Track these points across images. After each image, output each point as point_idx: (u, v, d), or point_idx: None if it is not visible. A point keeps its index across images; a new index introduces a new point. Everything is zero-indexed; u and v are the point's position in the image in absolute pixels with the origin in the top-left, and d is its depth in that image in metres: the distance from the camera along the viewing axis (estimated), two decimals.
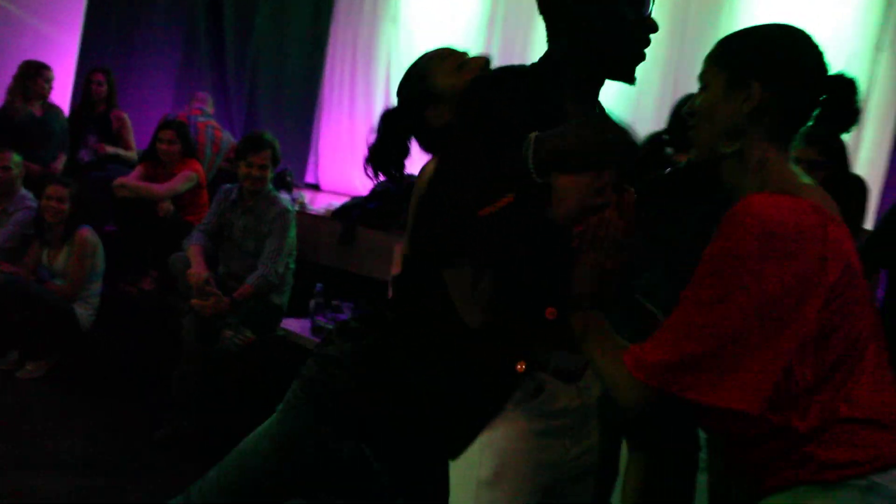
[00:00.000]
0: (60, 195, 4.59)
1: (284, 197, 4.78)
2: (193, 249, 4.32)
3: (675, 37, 7.36)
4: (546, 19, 1.82)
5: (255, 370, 4.38)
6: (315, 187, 9.01)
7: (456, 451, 1.80)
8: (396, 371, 2.19)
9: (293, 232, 4.47)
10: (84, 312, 4.70)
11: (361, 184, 9.14)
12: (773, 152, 1.54)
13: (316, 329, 4.57)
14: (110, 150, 5.93)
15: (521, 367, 1.76)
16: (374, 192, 5.54)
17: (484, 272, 1.71)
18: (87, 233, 4.69)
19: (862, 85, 5.33)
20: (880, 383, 1.53)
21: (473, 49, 7.83)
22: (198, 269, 4.20)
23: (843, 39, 6.44)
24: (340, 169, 9.27)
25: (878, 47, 6.34)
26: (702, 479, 2.89)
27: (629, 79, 1.79)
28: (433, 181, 1.74)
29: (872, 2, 6.38)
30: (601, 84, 1.81)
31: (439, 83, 2.18)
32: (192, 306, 4.14)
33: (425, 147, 2.27)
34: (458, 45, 7.83)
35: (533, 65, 1.81)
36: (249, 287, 4.23)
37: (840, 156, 3.06)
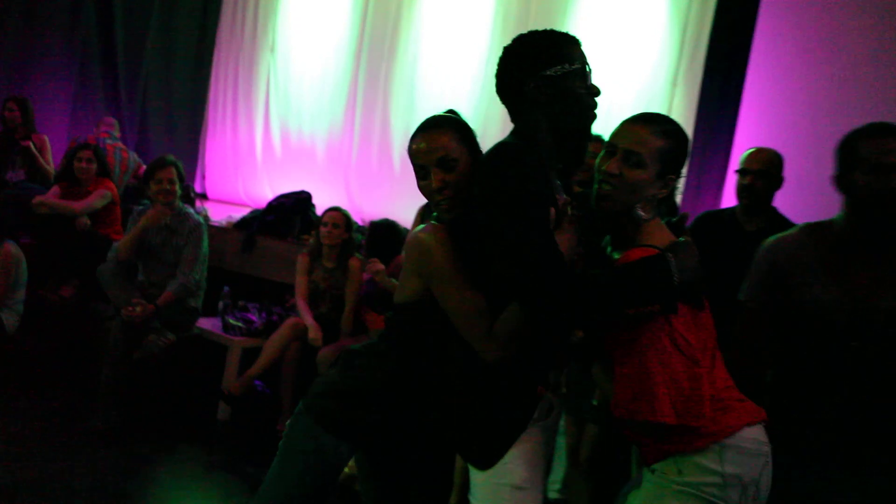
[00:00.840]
0: None
1: (192, 211, 4.75)
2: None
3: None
4: (506, 102, 1.95)
5: (174, 366, 4.47)
6: (203, 196, 8.94)
7: (491, 464, 1.87)
8: (425, 394, 1.98)
9: (206, 243, 4.51)
10: (10, 318, 4.58)
11: (244, 193, 9.20)
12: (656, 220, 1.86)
13: (226, 326, 4.70)
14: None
15: (541, 390, 1.94)
16: (270, 205, 5.68)
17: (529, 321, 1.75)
18: (11, 247, 4.57)
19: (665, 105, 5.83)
20: (725, 380, 1.86)
21: (342, 75, 8.05)
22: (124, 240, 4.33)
23: (646, 76, 7.00)
24: (225, 180, 9.24)
25: (674, 83, 6.88)
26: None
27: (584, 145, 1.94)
28: (494, 234, 1.75)
29: (669, 44, 6.74)
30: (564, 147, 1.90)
31: None
32: (122, 314, 4.15)
33: None
34: (329, 71, 8.07)
35: (503, 144, 1.85)
36: (171, 294, 4.28)
37: None
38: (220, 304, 4.87)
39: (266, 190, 9.11)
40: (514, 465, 1.96)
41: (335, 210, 4.61)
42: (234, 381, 4.43)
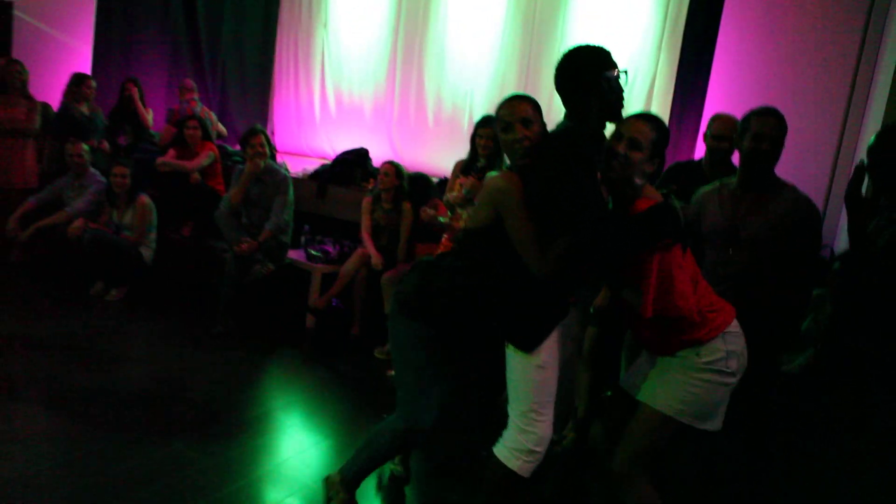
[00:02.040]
0: (124, 173, 4.89)
1: (279, 167, 5.08)
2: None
3: (526, 37, 7.95)
4: (563, 90, 2.20)
5: (274, 287, 4.87)
6: (272, 148, 9.26)
7: (533, 348, 2.15)
8: (492, 298, 2.21)
9: (292, 192, 4.83)
10: (147, 252, 5.00)
11: (306, 146, 9.54)
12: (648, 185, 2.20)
13: (309, 256, 5.03)
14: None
15: (573, 300, 2.29)
16: (336, 159, 5.95)
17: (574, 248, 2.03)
18: (145, 198, 4.97)
19: (648, 76, 6.08)
20: (710, 292, 2.22)
21: (383, 46, 8.20)
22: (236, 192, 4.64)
23: (635, 40, 7.16)
24: (291, 136, 9.55)
25: (658, 49, 6.99)
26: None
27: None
28: (552, 193, 2.04)
29: (655, 17, 6.85)
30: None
31: None
32: (234, 249, 4.54)
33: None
34: (373, 42, 8.21)
35: (571, 126, 2.18)
36: (269, 232, 4.65)
37: None
38: (302, 239, 5.22)
39: (324, 143, 9.44)
40: (538, 350, 2.19)
41: (389, 163, 4.83)
42: (317, 298, 4.81)
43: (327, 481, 2.56)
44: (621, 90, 2.18)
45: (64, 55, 7.29)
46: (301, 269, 4.99)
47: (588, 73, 2.14)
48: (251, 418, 3.40)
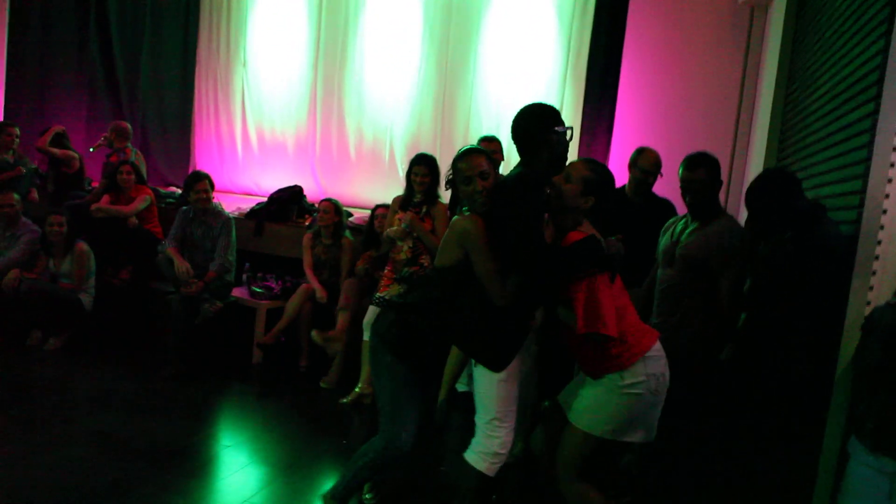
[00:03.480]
0: (60, 221, 4.77)
1: (222, 209, 5.05)
2: (173, 251, 4.64)
3: (440, 70, 8.25)
4: (520, 145, 2.45)
5: (221, 325, 4.86)
6: None
7: (502, 368, 2.40)
8: (461, 328, 2.41)
9: (234, 232, 4.86)
10: (86, 299, 4.88)
11: (230, 182, 9.45)
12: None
13: (252, 293, 5.09)
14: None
15: (532, 322, 2.50)
16: (271, 198, 5.99)
17: (525, 282, 2.27)
18: (83, 245, 4.86)
19: (556, 103, 6.46)
20: (636, 319, 2.41)
21: (304, 84, 8.29)
22: (181, 262, 4.59)
23: (543, 75, 7.56)
24: (213, 173, 9.31)
25: (564, 80, 7.45)
26: None
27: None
28: (512, 231, 2.27)
29: (559, 46, 7.30)
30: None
31: None
32: (180, 289, 4.54)
33: None
34: (293, 80, 8.31)
35: (523, 173, 2.42)
36: (213, 272, 4.67)
37: None
38: (244, 277, 5.26)
39: (248, 180, 9.40)
40: None
41: (328, 201, 4.97)
42: (264, 334, 4.84)
43: (323, 499, 2.69)
44: (567, 144, 2.44)
45: None
46: (246, 306, 5.01)
47: (540, 128, 2.40)
48: (213, 455, 3.44)
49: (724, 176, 4.81)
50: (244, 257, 5.40)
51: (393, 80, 8.45)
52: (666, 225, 3.05)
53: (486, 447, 2.47)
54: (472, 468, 2.48)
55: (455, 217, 2.48)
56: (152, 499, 2.88)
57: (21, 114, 7.58)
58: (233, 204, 6.80)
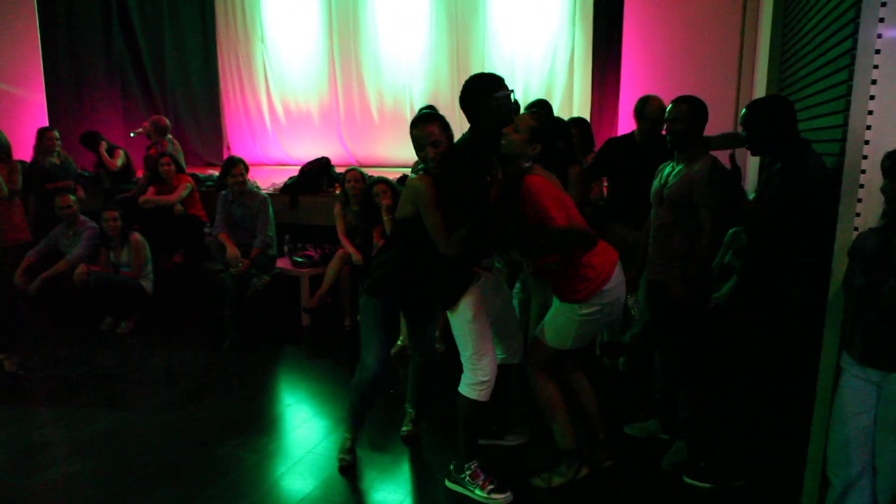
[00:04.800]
0: (114, 216, 5.07)
1: (258, 189, 5.35)
2: (223, 236, 4.92)
3: (451, 27, 8.22)
4: (466, 109, 2.68)
5: (269, 296, 5.13)
6: None
7: (451, 307, 2.75)
8: (417, 272, 2.83)
9: (271, 209, 5.11)
10: (147, 284, 5.20)
11: (262, 155, 9.68)
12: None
13: (294, 263, 5.35)
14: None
15: (476, 269, 2.78)
16: (301, 171, 6.16)
17: (469, 234, 2.60)
18: (137, 235, 5.17)
19: (568, 50, 6.44)
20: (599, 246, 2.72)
21: (322, 53, 8.39)
22: (232, 248, 4.85)
23: (552, 20, 7.50)
24: (246, 148, 9.64)
25: (573, 22, 7.43)
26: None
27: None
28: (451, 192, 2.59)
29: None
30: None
31: None
32: (231, 270, 4.83)
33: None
34: (311, 51, 8.42)
35: (469, 139, 2.68)
36: (257, 249, 4.94)
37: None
38: (286, 248, 5.52)
39: (279, 151, 9.61)
40: (465, 308, 2.73)
41: (353, 170, 5.13)
42: (309, 299, 5.16)
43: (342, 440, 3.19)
44: (510, 107, 2.65)
45: (21, 109, 7.29)
46: (290, 275, 5.29)
47: (481, 96, 2.62)
48: (276, 415, 3.78)
49: (729, 118, 4.87)
50: (283, 230, 5.62)
51: (406, 41, 8.50)
52: (658, 169, 3.14)
53: (474, 378, 2.78)
54: (466, 398, 2.80)
55: (410, 176, 2.82)
56: (227, 458, 3.22)
57: (63, 115, 7.86)
58: (267, 179, 7.02)
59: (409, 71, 8.56)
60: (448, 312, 2.80)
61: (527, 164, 2.69)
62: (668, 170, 3.03)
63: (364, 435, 3.29)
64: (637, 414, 3.48)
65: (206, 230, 5.54)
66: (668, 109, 2.96)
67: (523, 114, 2.69)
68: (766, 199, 2.76)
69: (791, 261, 2.68)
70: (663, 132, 3.05)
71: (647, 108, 3.73)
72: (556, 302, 2.83)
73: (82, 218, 5.28)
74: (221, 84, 9.47)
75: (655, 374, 3.35)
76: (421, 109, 3.14)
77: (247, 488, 2.96)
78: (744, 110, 2.84)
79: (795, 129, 2.79)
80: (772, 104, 2.85)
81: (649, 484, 2.95)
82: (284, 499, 2.89)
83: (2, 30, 7.29)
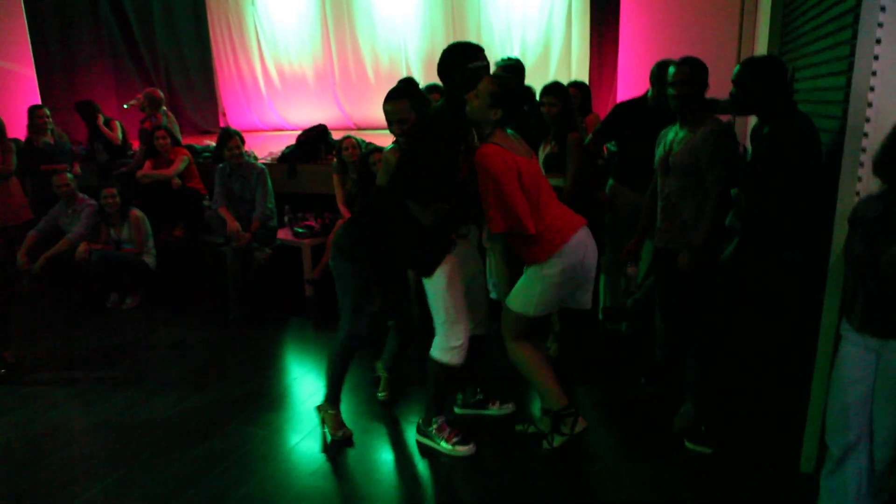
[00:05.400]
0: (112, 193, 5.07)
1: (255, 161, 5.27)
2: (223, 210, 4.89)
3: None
4: (443, 78, 2.76)
5: (272, 267, 5.13)
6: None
7: (429, 273, 2.82)
8: (391, 239, 2.87)
9: (269, 180, 5.06)
10: (150, 259, 5.22)
11: (258, 120, 9.59)
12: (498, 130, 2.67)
13: (295, 233, 5.34)
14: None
15: (453, 236, 2.84)
16: (298, 140, 6.11)
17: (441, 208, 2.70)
18: (137, 211, 5.16)
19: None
20: (557, 213, 2.72)
21: (314, 14, 8.27)
22: (233, 222, 4.83)
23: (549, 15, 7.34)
24: (241, 114, 9.60)
25: (568, 20, 7.24)
26: None
27: None
28: (412, 160, 2.66)
29: None
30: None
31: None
32: (232, 244, 4.82)
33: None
34: (303, 11, 8.34)
35: (440, 109, 2.73)
36: (257, 222, 4.92)
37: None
38: (286, 219, 5.51)
39: (273, 115, 9.51)
40: (440, 275, 2.81)
41: (348, 137, 5.05)
42: (311, 270, 5.17)
43: (318, 409, 3.29)
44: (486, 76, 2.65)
45: (12, 84, 7.18)
46: (291, 246, 5.29)
47: (454, 65, 2.67)
48: (283, 389, 3.81)
49: (730, 78, 4.70)
50: (283, 200, 5.60)
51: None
52: (661, 134, 3.08)
53: (446, 343, 2.88)
54: (436, 362, 2.92)
55: (386, 148, 2.93)
56: (237, 433, 3.27)
57: (54, 89, 7.75)
58: (264, 147, 6.97)
59: (404, 29, 8.41)
60: (423, 278, 2.87)
61: (487, 131, 2.67)
62: (671, 136, 2.98)
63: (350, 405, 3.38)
64: (639, 378, 3.52)
65: (206, 203, 5.51)
66: (670, 73, 2.90)
67: (486, 77, 2.66)
68: (757, 163, 2.72)
69: (786, 225, 2.66)
70: None
71: (666, 73, 3.61)
72: (524, 272, 2.83)
73: (81, 195, 5.27)
74: (213, 50, 9.35)
75: (656, 338, 3.38)
76: (399, 81, 3.13)
77: (257, 464, 3.01)
78: (737, 67, 2.77)
79: (784, 92, 2.73)
80: (762, 63, 2.77)
81: (649, 447, 3.00)
82: (295, 473, 2.95)
83: None
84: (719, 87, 3.11)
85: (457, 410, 3.38)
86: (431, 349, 2.93)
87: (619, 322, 4.22)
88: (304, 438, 3.23)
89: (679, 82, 2.85)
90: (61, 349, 4.43)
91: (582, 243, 2.74)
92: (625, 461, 2.93)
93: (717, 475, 2.76)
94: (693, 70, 2.85)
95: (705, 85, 2.88)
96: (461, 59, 2.67)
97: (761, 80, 2.64)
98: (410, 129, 2.77)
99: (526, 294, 2.79)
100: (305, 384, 3.87)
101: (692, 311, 2.93)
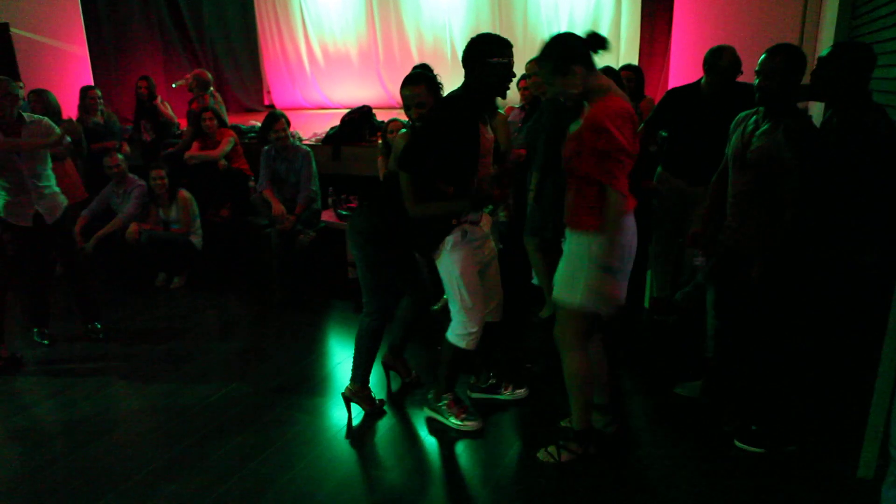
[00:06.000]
0: (161, 175, 5.15)
1: (300, 143, 5.28)
2: (268, 192, 4.91)
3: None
4: (465, 67, 2.67)
5: (316, 249, 5.14)
6: (271, 107, 9.41)
7: (430, 253, 2.87)
8: (399, 222, 2.87)
9: (314, 163, 5.07)
10: (196, 240, 5.30)
11: (303, 98, 9.61)
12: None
13: (339, 216, 5.32)
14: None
15: (454, 221, 2.81)
16: (343, 121, 6.10)
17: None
18: (185, 192, 5.23)
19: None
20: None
21: None
22: (278, 205, 4.85)
23: None
24: (286, 92, 9.63)
25: None
26: None
27: (504, 96, 2.75)
28: (417, 146, 2.67)
29: None
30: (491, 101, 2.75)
31: None
32: (277, 227, 4.85)
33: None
34: None
35: (462, 93, 2.68)
36: (302, 205, 4.94)
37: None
38: (330, 201, 5.51)
39: (318, 94, 9.52)
40: (454, 263, 2.84)
41: (395, 120, 5.02)
42: None
43: (346, 393, 3.32)
44: (504, 74, 2.63)
45: (65, 63, 7.34)
46: (335, 228, 5.28)
47: (474, 58, 2.63)
48: (327, 374, 3.82)
49: None
50: (327, 182, 5.60)
51: None
52: (737, 119, 2.81)
53: (462, 328, 2.93)
54: (452, 345, 2.97)
55: (401, 131, 2.92)
56: (281, 419, 3.30)
57: (105, 69, 7.88)
58: (308, 127, 6.98)
59: (449, 7, 8.28)
60: (437, 264, 2.90)
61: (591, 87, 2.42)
62: (751, 125, 2.71)
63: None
64: (686, 373, 3.43)
65: (251, 184, 5.54)
66: (760, 61, 2.60)
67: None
68: (826, 160, 2.55)
69: (856, 226, 2.52)
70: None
71: (720, 60, 3.45)
72: (566, 247, 2.58)
73: (131, 176, 5.35)
74: (259, 29, 9.38)
75: (707, 333, 3.28)
76: (414, 68, 3.11)
77: (302, 449, 3.03)
78: (826, 50, 2.58)
79: (865, 84, 2.56)
80: (848, 49, 2.58)
81: (697, 447, 2.92)
82: (339, 459, 2.96)
83: None
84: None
85: (470, 394, 3.39)
86: (448, 332, 2.99)
87: (667, 314, 4.12)
88: (347, 424, 3.25)
89: (768, 73, 2.56)
90: (114, 327, 4.52)
91: (633, 225, 2.52)
92: (670, 458, 2.85)
93: (768, 476, 2.68)
94: (787, 61, 2.54)
95: (800, 77, 2.58)
96: (482, 52, 2.63)
97: (841, 68, 2.47)
98: (428, 113, 2.81)
99: (575, 283, 2.51)
100: (348, 368, 3.85)
101: (754, 314, 2.80)
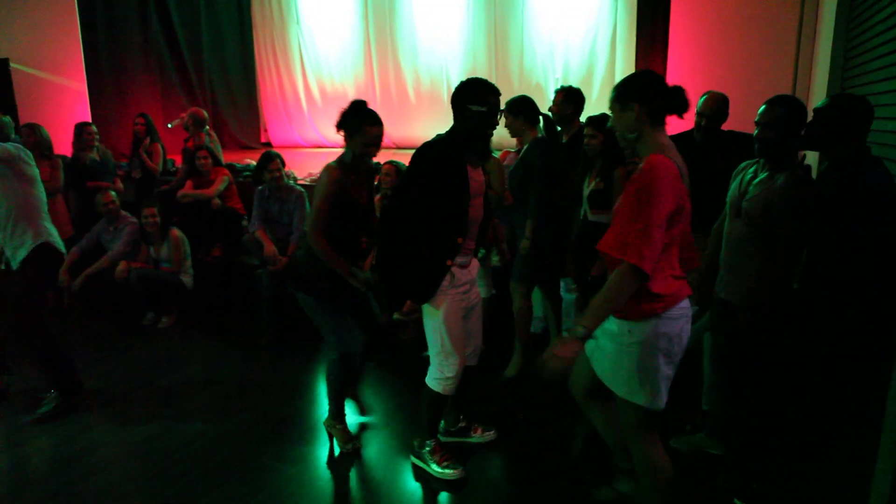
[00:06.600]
0: (153, 213, 5.10)
1: (294, 184, 5.21)
2: (260, 233, 4.84)
3: (489, 7, 7.96)
4: (452, 110, 2.72)
5: None
6: (268, 145, 9.42)
7: (427, 300, 2.80)
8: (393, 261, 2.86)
9: (308, 203, 5.00)
10: (187, 279, 5.23)
11: (299, 137, 9.63)
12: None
13: None
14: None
15: (449, 262, 2.78)
16: None
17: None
18: (177, 231, 5.18)
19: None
20: (674, 269, 2.19)
21: (357, 35, 8.24)
22: (270, 246, 4.78)
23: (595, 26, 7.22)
24: (282, 130, 9.64)
25: (612, 46, 7.13)
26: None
27: (487, 152, 2.80)
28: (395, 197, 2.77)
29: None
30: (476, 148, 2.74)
31: None
32: (268, 268, 4.77)
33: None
34: (346, 33, 8.30)
35: (446, 136, 2.74)
36: (294, 246, 4.86)
37: None
38: None
39: (313, 132, 9.55)
40: (438, 308, 2.81)
41: (389, 163, 5.02)
42: None
43: (325, 424, 3.45)
44: (486, 121, 2.68)
45: (64, 99, 7.34)
46: None
47: (459, 102, 2.71)
48: (314, 423, 3.69)
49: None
50: None
51: (442, 20, 8.31)
52: (738, 168, 2.78)
53: (440, 373, 2.92)
54: (431, 391, 2.97)
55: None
56: (268, 469, 3.19)
57: (103, 105, 7.89)
58: (304, 166, 6.94)
59: (446, 51, 8.37)
60: (423, 308, 2.88)
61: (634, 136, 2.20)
62: (749, 174, 2.68)
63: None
64: (684, 426, 3.34)
65: (244, 223, 5.49)
66: (760, 111, 2.57)
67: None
68: (824, 214, 2.52)
69: (857, 274, 2.46)
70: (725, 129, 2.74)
71: (703, 104, 3.51)
72: (602, 337, 2.28)
73: (123, 213, 5.30)
74: (258, 67, 9.44)
75: (705, 384, 3.21)
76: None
77: (285, 501, 2.93)
78: (823, 101, 2.54)
79: (863, 138, 2.54)
80: (847, 102, 2.54)
81: (695, 501, 2.82)
82: None
83: (43, 19, 7.32)
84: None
85: (440, 438, 3.30)
86: (427, 377, 2.98)
87: None
88: (333, 475, 3.14)
89: (767, 125, 2.52)
90: (99, 368, 4.41)
91: (685, 311, 2.19)
92: None
93: None
94: (787, 113, 2.50)
95: (801, 129, 2.54)
96: (465, 98, 2.69)
97: (844, 121, 2.44)
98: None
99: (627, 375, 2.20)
100: None
101: (750, 365, 2.74)
